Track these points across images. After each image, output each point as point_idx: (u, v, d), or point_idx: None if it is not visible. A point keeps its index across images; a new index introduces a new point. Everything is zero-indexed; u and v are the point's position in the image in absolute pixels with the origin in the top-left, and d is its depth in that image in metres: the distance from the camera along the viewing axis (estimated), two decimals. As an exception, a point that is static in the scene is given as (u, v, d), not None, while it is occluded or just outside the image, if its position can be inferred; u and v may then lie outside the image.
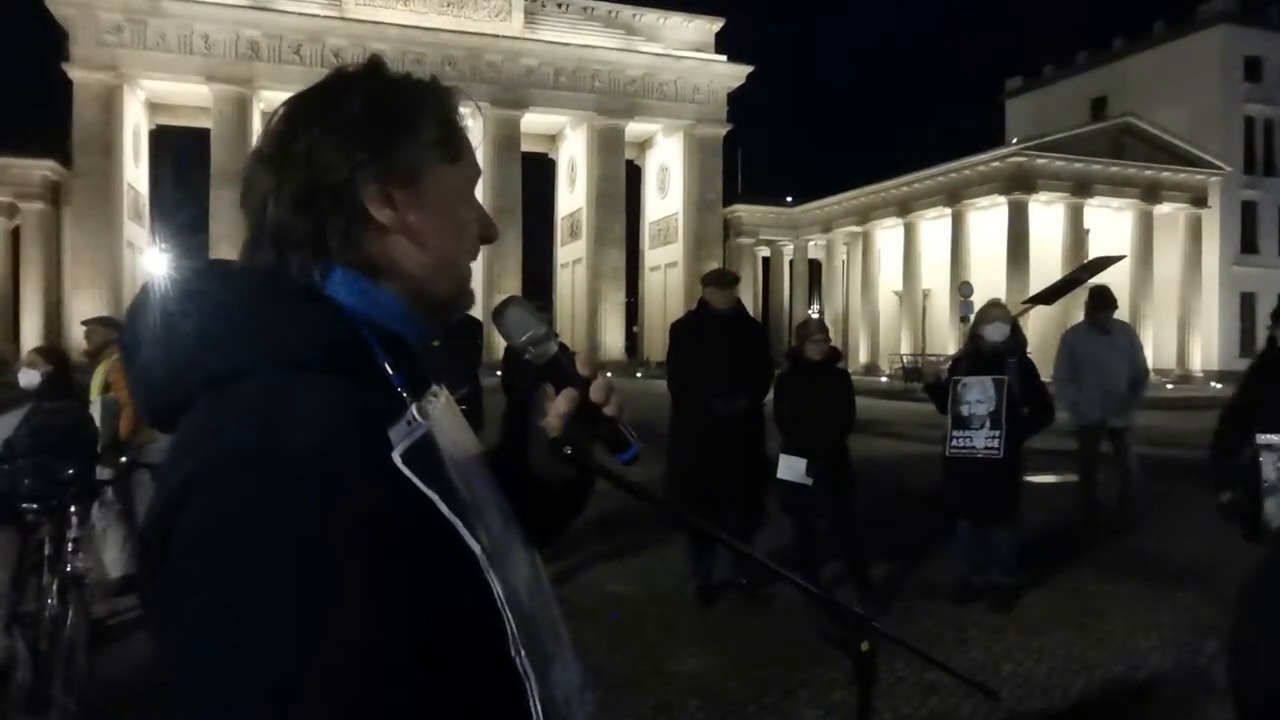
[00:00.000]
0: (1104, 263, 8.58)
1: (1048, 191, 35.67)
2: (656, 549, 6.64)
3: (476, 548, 0.82)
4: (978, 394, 5.52)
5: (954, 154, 37.98)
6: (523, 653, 0.85)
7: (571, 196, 45.11)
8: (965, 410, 5.56)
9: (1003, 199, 35.98)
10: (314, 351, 0.83)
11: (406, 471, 0.80)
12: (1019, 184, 35.47)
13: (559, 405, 0.99)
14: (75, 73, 34.52)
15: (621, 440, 1.02)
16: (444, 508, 0.81)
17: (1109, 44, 48.25)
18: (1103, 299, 7.81)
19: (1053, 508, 8.19)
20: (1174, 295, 37.39)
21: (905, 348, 39.15)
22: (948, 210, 38.17)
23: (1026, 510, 5.88)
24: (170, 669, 0.73)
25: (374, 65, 0.97)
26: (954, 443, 5.59)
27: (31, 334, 34.16)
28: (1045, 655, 4.69)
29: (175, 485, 0.76)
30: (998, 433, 5.41)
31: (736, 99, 43.63)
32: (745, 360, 5.51)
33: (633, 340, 45.97)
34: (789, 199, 49.83)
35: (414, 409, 0.85)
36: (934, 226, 39.72)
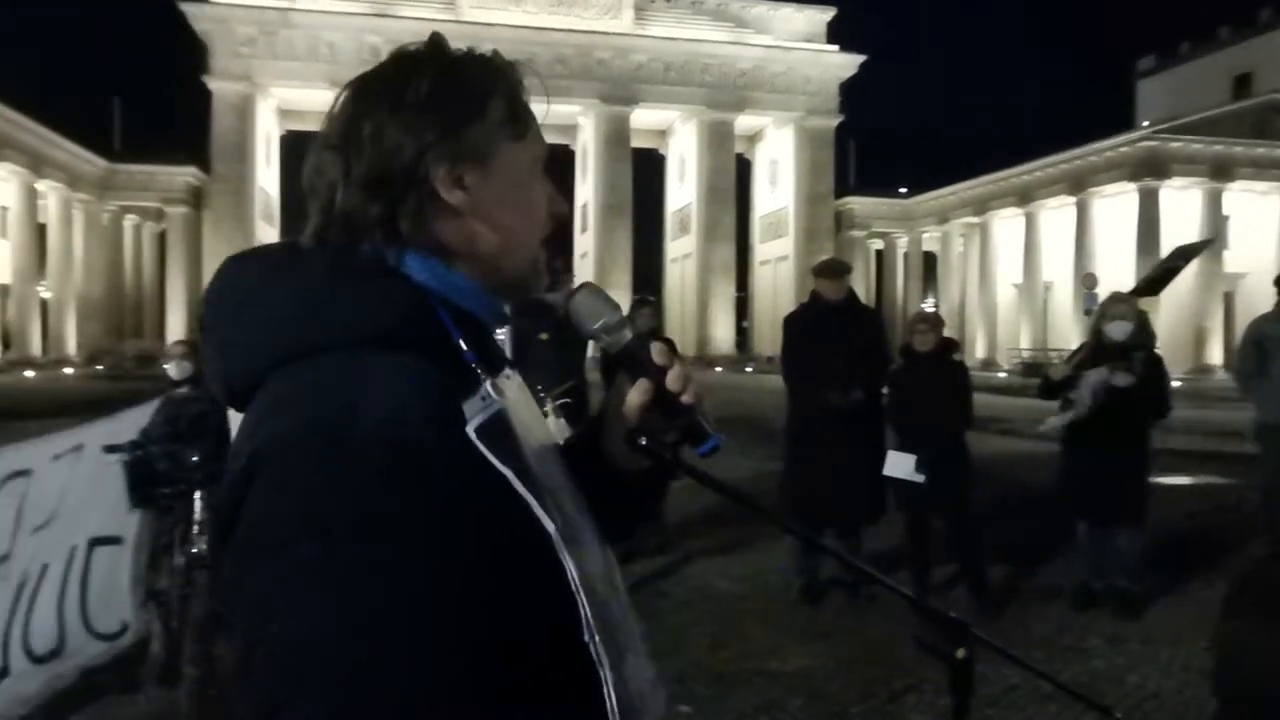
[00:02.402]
0: (1196, 248, 8.01)
1: (1182, 177, 33.67)
2: (763, 545, 6.60)
3: (551, 527, 0.81)
4: (1090, 387, 5.28)
5: (1078, 140, 36.27)
6: (597, 638, 0.84)
7: (681, 191, 45.09)
8: (1073, 398, 5.33)
9: (1132, 186, 34.16)
10: (388, 328, 0.83)
11: (480, 446, 0.79)
12: (1150, 169, 33.61)
13: (633, 395, 0.96)
14: (214, 84, 36.80)
15: (700, 431, 0.98)
16: (518, 484, 0.80)
17: (1254, 17, 45.13)
18: None
19: (1187, 511, 7.76)
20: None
21: (1025, 343, 37.67)
22: (1071, 199, 36.49)
23: (1157, 513, 5.58)
24: (238, 642, 0.73)
25: (437, 44, 0.96)
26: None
27: (176, 329, 36.61)
28: (1174, 669, 4.44)
29: (246, 459, 0.76)
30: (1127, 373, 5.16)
31: (849, 89, 42.85)
32: (860, 351, 5.41)
33: (743, 335, 45.67)
34: (903, 190, 48.54)
35: (488, 385, 0.85)
36: (1056, 216, 38.04)
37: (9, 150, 33.24)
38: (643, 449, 0.96)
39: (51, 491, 3.39)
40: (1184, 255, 7.49)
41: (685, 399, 0.96)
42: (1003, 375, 34.50)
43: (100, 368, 33.86)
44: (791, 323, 5.85)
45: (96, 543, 3.67)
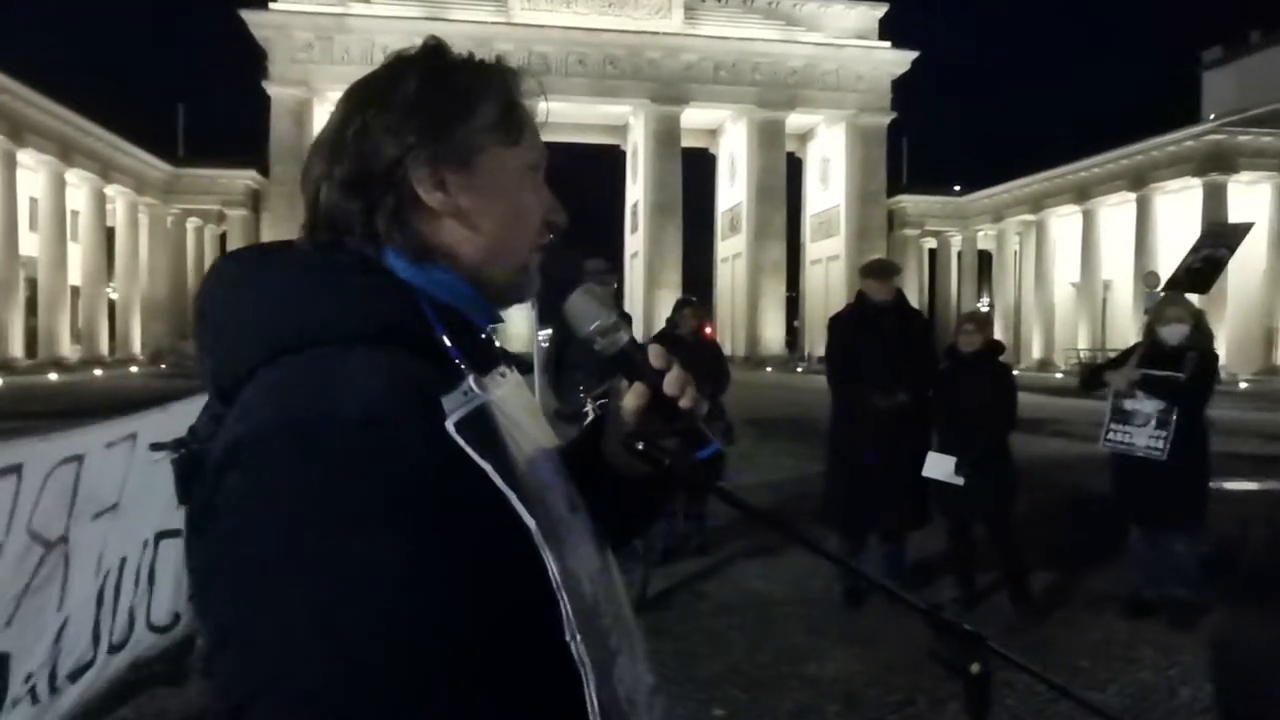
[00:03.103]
0: (1236, 232, 7.40)
1: (1250, 171, 32.62)
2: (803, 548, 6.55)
3: (531, 522, 0.80)
4: (1147, 390, 5.15)
5: (1139, 134, 35.33)
6: (578, 639, 0.82)
7: (731, 191, 44.94)
8: (1128, 405, 5.20)
9: (1196, 181, 33.17)
10: (371, 323, 0.84)
11: (459, 439, 0.78)
12: (1216, 164, 32.60)
13: (629, 400, 0.94)
14: (273, 89, 37.70)
15: (699, 436, 0.95)
16: (497, 479, 0.79)
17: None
18: None
19: (1250, 518, 7.52)
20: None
21: (1082, 342, 36.84)
22: (1132, 195, 35.57)
23: (1216, 520, 5.42)
24: (211, 635, 0.74)
25: (433, 47, 0.96)
26: (1110, 434, 5.26)
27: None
28: (1229, 680, 4.32)
29: (223, 449, 0.76)
30: (1163, 434, 5.01)
31: (901, 86, 42.31)
32: (907, 353, 5.34)
33: (793, 335, 45.36)
34: (956, 188, 47.80)
35: (470, 380, 0.84)
36: (1115, 213, 37.11)
37: (79, 156, 34.47)
38: (639, 454, 0.95)
39: (110, 480, 3.47)
40: (1223, 240, 7.06)
41: (683, 403, 0.94)
42: (1059, 376, 33.78)
43: (163, 366, 34.87)
44: (837, 323, 5.80)
45: (162, 536, 3.78)
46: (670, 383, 0.93)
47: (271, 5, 37.18)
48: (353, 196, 0.89)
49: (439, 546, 0.74)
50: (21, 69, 29.92)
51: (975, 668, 1.12)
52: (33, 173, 32.79)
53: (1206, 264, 6.59)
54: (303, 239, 0.94)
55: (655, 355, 0.95)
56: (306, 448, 0.74)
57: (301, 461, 0.73)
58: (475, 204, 0.93)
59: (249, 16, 37.12)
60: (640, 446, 0.95)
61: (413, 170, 0.89)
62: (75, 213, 35.81)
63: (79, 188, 35.54)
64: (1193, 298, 6.10)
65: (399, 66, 0.94)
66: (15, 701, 2.95)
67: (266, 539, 0.71)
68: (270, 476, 0.74)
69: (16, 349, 30.39)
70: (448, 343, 0.88)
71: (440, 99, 0.91)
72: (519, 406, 0.99)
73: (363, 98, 0.92)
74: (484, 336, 1.00)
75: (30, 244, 32.49)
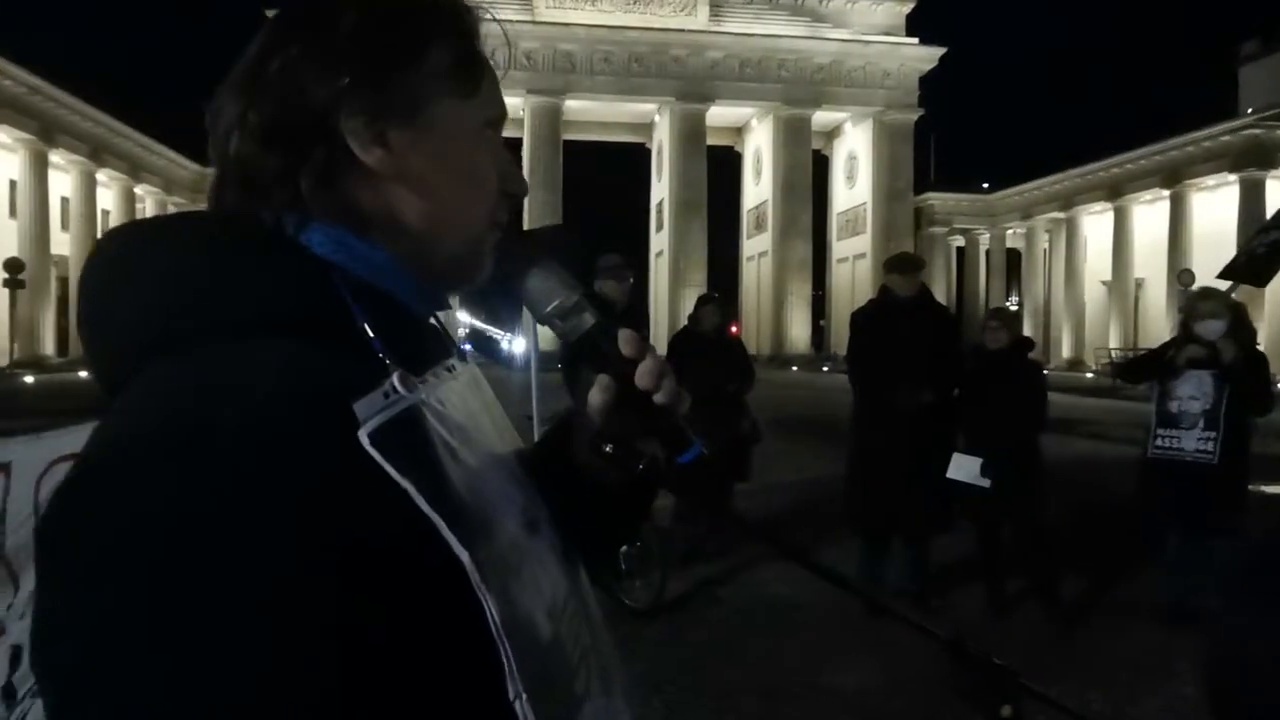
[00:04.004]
0: None
1: (1290, 166, 31.97)
2: (828, 551, 6.37)
3: (464, 556, 0.63)
4: (1192, 389, 4.92)
5: (1173, 130, 34.70)
6: (524, 696, 0.65)
7: (757, 189, 44.74)
8: (1175, 407, 4.98)
9: (1233, 177, 32.54)
10: (269, 310, 0.68)
11: (374, 453, 0.61)
12: (1254, 159, 31.93)
13: (594, 394, 0.81)
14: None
15: (680, 437, 0.82)
16: (421, 501, 0.62)
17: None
18: None
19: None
20: None
21: (1114, 341, 36.26)
22: (1165, 192, 34.97)
23: (1257, 524, 5.19)
24: (48, 695, 0.57)
25: None
26: (1158, 442, 5.03)
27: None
28: None
29: (72, 473, 0.60)
30: (1213, 434, 4.80)
31: (928, 82, 41.90)
32: (931, 350, 5.17)
33: (819, 334, 45.09)
34: (985, 185, 47.30)
35: (395, 379, 0.67)
36: (1148, 210, 36.53)
37: (110, 157, 34.98)
38: (606, 458, 0.81)
39: None
40: None
41: (659, 398, 0.80)
42: (1090, 375, 33.31)
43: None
44: (859, 319, 5.63)
45: None
46: (643, 374, 0.79)
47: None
48: (270, 149, 0.73)
49: (342, 593, 0.57)
50: (52, 68, 30.38)
51: (1007, 711, 0.98)
52: (64, 173, 33.27)
53: (1272, 251, 6.13)
54: (210, 203, 0.77)
55: (626, 341, 0.80)
56: (170, 469, 0.56)
57: (161, 487, 0.56)
58: (421, 165, 0.76)
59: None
60: (608, 449, 0.81)
61: (346, 120, 0.73)
62: (106, 212, 36.32)
63: (109, 187, 36.05)
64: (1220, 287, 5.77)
65: None
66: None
67: (111, 588, 0.54)
68: (117, 506, 0.56)
69: (49, 347, 30.84)
70: (370, 333, 0.71)
71: (384, 35, 0.75)
72: (470, 407, 0.82)
73: (288, 30, 0.75)
74: (428, 324, 0.85)
75: (61, 243, 32.93)
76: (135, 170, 36.92)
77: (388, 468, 0.61)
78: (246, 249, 0.71)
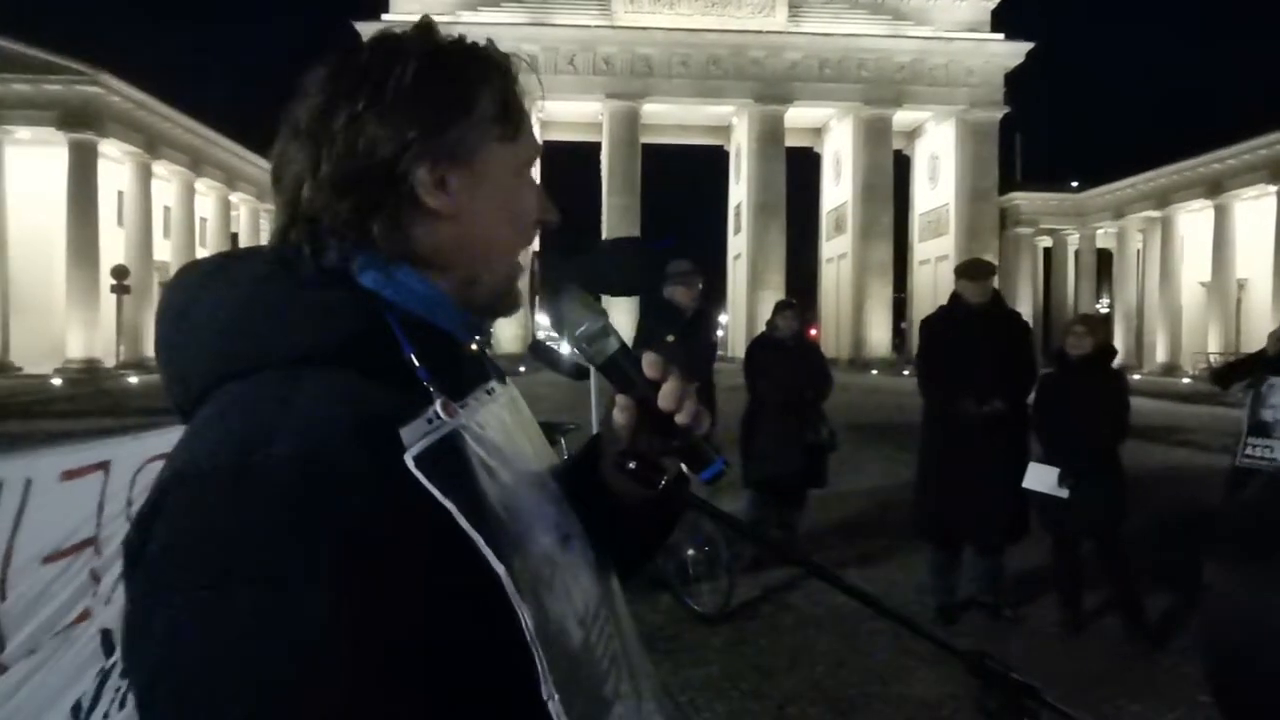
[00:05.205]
0: None
1: None
2: (900, 559, 6.33)
3: (501, 569, 0.71)
4: None
5: (1278, 122, 33.02)
6: (556, 696, 0.73)
7: (837, 190, 44.16)
8: (1269, 415, 4.81)
9: (1347, 172, 30.86)
10: (323, 343, 0.76)
11: (420, 477, 0.70)
12: (1369, 153, 30.23)
13: (617, 414, 0.87)
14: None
15: (700, 456, 0.87)
16: (462, 520, 0.70)
17: None
18: None
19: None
20: None
21: (1213, 345, 34.70)
22: (1271, 188, 33.27)
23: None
24: (135, 681, 0.66)
25: (424, 29, 0.87)
26: (1248, 451, 4.87)
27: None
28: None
29: (154, 492, 0.69)
30: None
31: (1015, 79, 40.71)
32: (1003, 358, 5.09)
33: (900, 337, 44.24)
34: (1074, 184, 45.76)
35: (437, 406, 0.76)
36: (1253, 207, 34.82)
37: (208, 167, 36.54)
38: (630, 474, 0.87)
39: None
40: None
41: (680, 419, 0.85)
42: (1187, 381, 31.97)
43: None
44: (929, 326, 5.57)
45: None
46: (665, 396, 0.85)
47: (384, 16, 38.41)
48: (342, 197, 0.80)
49: (389, 599, 0.66)
50: (154, 82, 31.86)
51: (1025, 727, 1.00)
52: (166, 182, 34.85)
53: None
54: (273, 242, 0.85)
55: (650, 365, 0.86)
56: (236, 489, 0.65)
57: (230, 505, 0.65)
58: (474, 205, 0.85)
59: (362, 27, 38.41)
60: (632, 466, 0.87)
61: (413, 169, 0.81)
62: (203, 219, 37.91)
63: (207, 196, 37.63)
64: None
65: (391, 50, 0.84)
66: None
67: (191, 593, 0.63)
68: (196, 522, 0.66)
69: (151, 349, 32.24)
70: (416, 363, 0.79)
71: (440, 89, 0.83)
72: (508, 426, 0.90)
73: (351, 84, 0.82)
74: (470, 350, 0.93)
75: (163, 250, 34.50)
76: (231, 179, 38.49)
77: (431, 489, 0.70)
78: (302, 288, 0.79)
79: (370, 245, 0.81)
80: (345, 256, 0.82)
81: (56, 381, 26.30)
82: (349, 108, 0.80)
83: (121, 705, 3.00)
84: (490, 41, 0.91)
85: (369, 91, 0.81)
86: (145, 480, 3.21)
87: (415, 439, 0.72)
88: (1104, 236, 45.42)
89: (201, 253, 36.56)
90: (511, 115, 0.88)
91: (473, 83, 0.85)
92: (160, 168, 33.67)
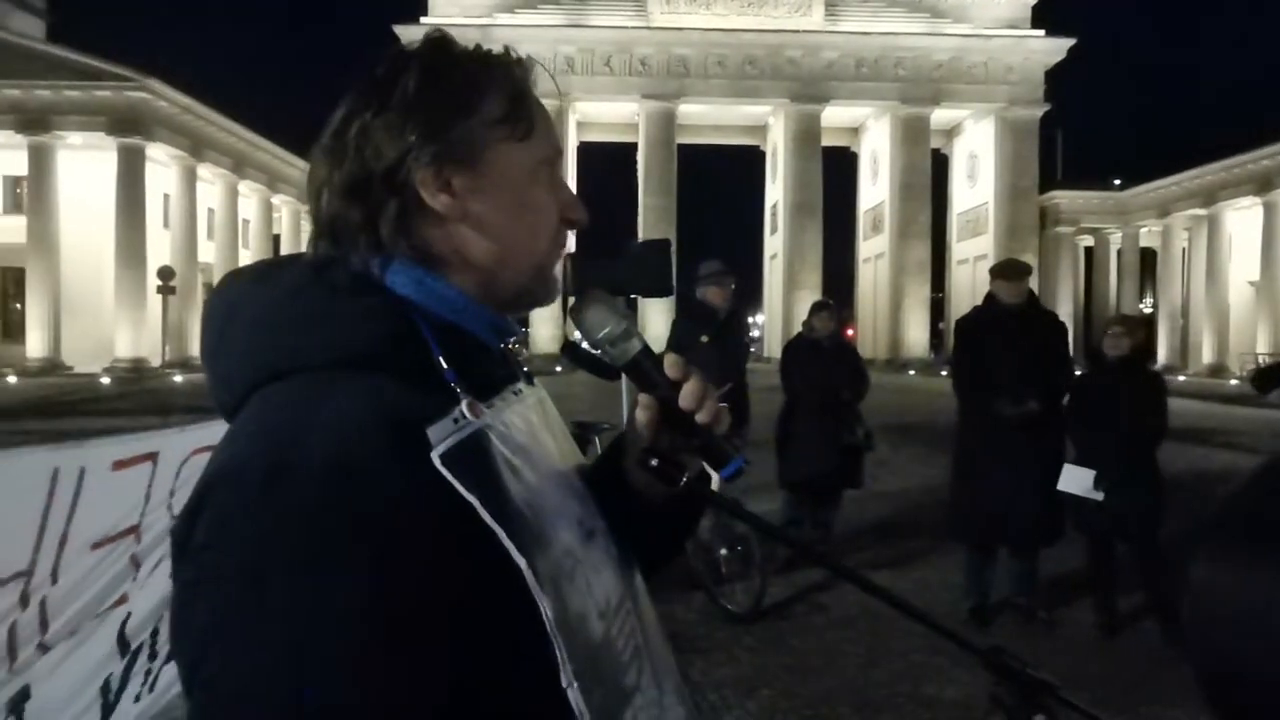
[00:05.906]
0: None
1: None
2: (933, 560, 6.30)
3: (522, 562, 0.75)
4: None
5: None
6: (575, 684, 0.76)
7: (874, 189, 43.83)
8: None
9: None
10: (356, 347, 0.79)
11: (446, 473, 0.74)
12: None
13: (639, 413, 0.90)
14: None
15: (720, 454, 0.90)
16: (485, 514, 0.74)
17: None
18: None
19: None
20: None
21: (1262, 346, 33.94)
22: (1324, 185, 32.52)
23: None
24: (181, 671, 0.71)
25: (435, 39, 0.90)
26: None
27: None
28: None
29: (199, 488, 0.74)
30: None
31: (1055, 76, 40.10)
32: (1038, 358, 5.05)
33: (938, 337, 43.81)
34: (1116, 182, 44.98)
35: (464, 406, 0.79)
36: (1304, 205, 34.02)
37: (250, 169, 37.19)
38: (652, 471, 0.90)
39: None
40: None
41: (700, 418, 0.88)
42: (1234, 382, 31.29)
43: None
44: (964, 326, 5.54)
45: None
46: (686, 395, 0.88)
47: (423, 19, 38.83)
48: (353, 202, 0.84)
49: (418, 590, 0.70)
50: (199, 87, 32.48)
51: (1040, 721, 1.00)
52: (210, 185, 35.52)
53: None
54: (309, 251, 0.89)
55: (671, 365, 0.89)
56: (272, 487, 0.70)
57: (267, 502, 0.69)
58: (484, 205, 0.87)
59: (401, 31, 38.87)
60: (654, 463, 0.90)
61: (415, 172, 0.83)
62: (246, 221, 38.59)
63: (249, 198, 38.30)
64: None
65: (399, 61, 0.87)
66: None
67: (231, 586, 0.68)
68: (236, 519, 0.70)
69: (196, 348, 32.91)
70: (445, 365, 0.83)
71: (441, 94, 0.85)
72: (535, 425, 0.93)
73: (362, 96, 0.86)
74: (498, 351, 0.95)
75: (207, 251, 35.16)
76: (273, 182, 39.16)
77: (456, 485, 0.74)
78: (335, 295, 0.83)
79: (382, 248, 0.85)
80: (373, 262, 0.85)
81: (105, 380, 26.97)
82: (360, 119, 0.84)
83: (151, 687, 3.10)
84: (507, 47, 0.93)
85: (377, 102, 0.85)
86: (190, 471, 3.31)
87: (442, 438, 0.75)
88: (1148, 235, 44.61)
89: (244, 254, 37.21)
90: (521, 115, 0.89)
91: (476, 85, 0.87)
92: (205, 170, 34.34)
